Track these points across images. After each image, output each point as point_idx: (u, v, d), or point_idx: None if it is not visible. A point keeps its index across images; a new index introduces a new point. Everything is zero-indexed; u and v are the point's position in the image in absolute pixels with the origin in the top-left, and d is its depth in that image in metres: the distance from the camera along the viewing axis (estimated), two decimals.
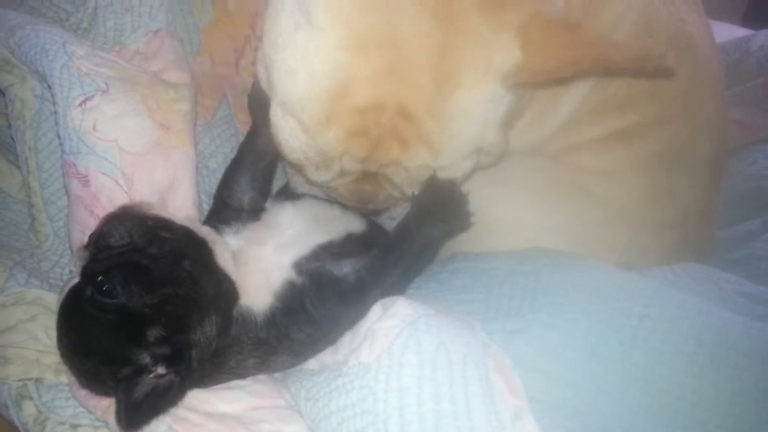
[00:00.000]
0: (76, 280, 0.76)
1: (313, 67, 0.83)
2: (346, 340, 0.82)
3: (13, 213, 1.04)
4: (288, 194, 1.01)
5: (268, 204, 0.97)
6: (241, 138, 1.18)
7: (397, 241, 0.89)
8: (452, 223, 0.92)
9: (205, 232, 0.85)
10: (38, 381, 0.82)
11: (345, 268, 0.86)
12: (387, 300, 0.82)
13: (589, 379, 0.79)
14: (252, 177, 0.96)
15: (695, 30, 1.08)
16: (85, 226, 0.86)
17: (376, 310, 0.80)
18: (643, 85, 1.04)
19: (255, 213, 0.94)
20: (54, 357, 0.83)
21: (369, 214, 1.00)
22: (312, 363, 0.86)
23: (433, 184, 0.88)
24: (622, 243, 1.07)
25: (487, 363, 0.75)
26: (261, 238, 0.89)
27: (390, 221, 1.02)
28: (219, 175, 1.09)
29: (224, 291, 0.81)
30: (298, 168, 0.94)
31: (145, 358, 0.73)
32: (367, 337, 0.76)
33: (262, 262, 0.86)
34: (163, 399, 0.74)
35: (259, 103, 0.94)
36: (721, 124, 1.14)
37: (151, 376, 0.73)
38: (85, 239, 0.86)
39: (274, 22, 0.88)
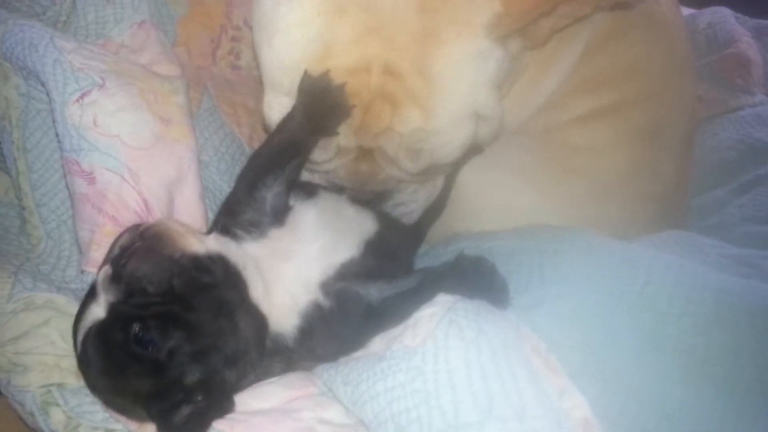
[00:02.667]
0: (101, 309, 0.72)
1: (294, 37, 0.85)
2: (377, 339, 0.83)
3: (1, 217, 0.99)
4: (306, 188, 0.97)
5: (292, 201, 0.91)
6: (228, 130, 1.17)
7: (429, 289, 0.84)
8: (486, 297, 0.86)
9: (236, 255, 0.81)
10: (61, 386, 0.79)
11: (371, 290, 0.85)
12: None
13: (604, 344, 0.82)
14: (279, 173, 0.88)
15: (668, 10, 1.13)
16: (94, 224, 0.84)
17: None
18: (624, 62, 1.08)
19: (278, 216, 0.88)
20: (73, 360, 0.80)
21: (374, 200, 0.99)
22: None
23: (473, 258, 0.86)
24: (610, 217, 1.11)
25: (524, 347, 0.77)
26: (286, 253, 0.85)
27: (395, 208, 1.01)
28: (212, 168, 1.08)
29: (259, 328, 0.79)
30: None
31: (180, 395, 0.72)
32: (409, 325, 0.77)
33: (288, 280, 0.83)
34: (204, 419, 0.73)
35: (310, 84, 0.86)
36: (693, 100, 1.21)
37: (187, 405, 0.72)
38: (95, 237, 0.83)
39: (258, 5, 0.90)
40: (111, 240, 0.82)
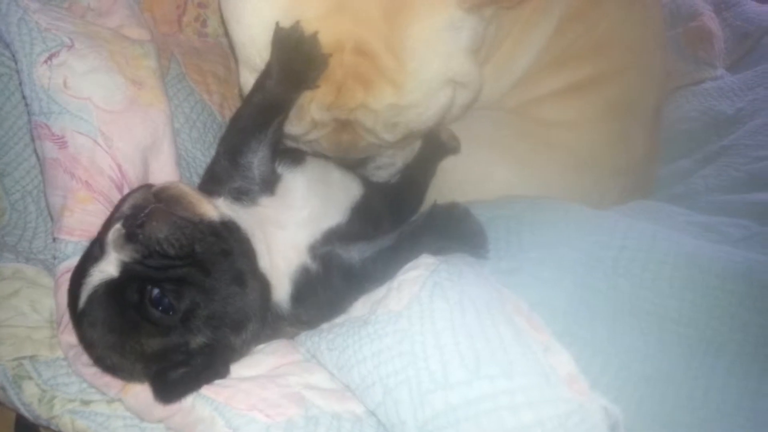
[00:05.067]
0: (112, 268, 0.70)
1: (262, 16, 0.83)
2: (359, 304, 0.83)
3: None
4: (292, 155, 0.95)
5: (280, 169, 0.89)
6: (198, 97, 1.13)
7: (407, 245, 0.85)
8: (465, 245, 0.87)
9: (246, 222, 0.79)
10: (33, 359, 0.77)
11: (352, 252, 0.84)
12: None
13: (583, 308, 0.84)
14: (263, 136, 0.86)
15: None
16: (66, 190, 0.80)
17: None
18: (598, 34, 1.09)
19: (268, 184, 0.86)
20: (46, 332, 0.78)
21: (355, 165, 0.99)
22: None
23: (446, 205, 0.87)
24: (584, 189, 1.13)
25: (506, 306, 0.77)
26: (280, 220, 0.84)
27: (377, 171, 1.01)
28: (183, 135, 1.05)
29: (264, 296, 0.78)
30: None
31: (183, 356, 0.71)
32: (393, 288, 0.77)
33: (282, 246, 0.82)
34: (198, 380, 0.72)
35: (283, 37, 0.84)
36: (664, 72, 1.23)
37: (185, 365, 0.72)
38: (68, 203, 0.80)
39: None
40: (84, 206, 0.80)
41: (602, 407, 0.69)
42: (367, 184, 0.97)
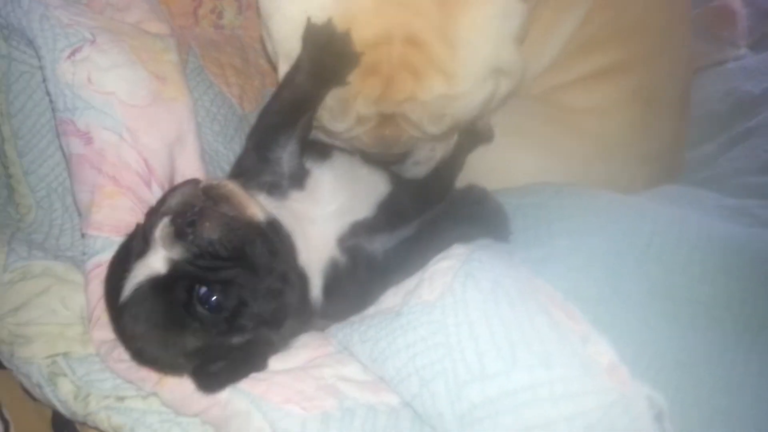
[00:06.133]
0: (160, 264, 0.69)
1: (311, 5, 0.81)
2: (390, 294, 0.82)
3: None
4: (319, 149, 0.94)
5: (308, 164, 0.89)
6: (218, 90, 1.13)
7: (428, 233, 0.86)
8: (486, 228, 0.88)
9: (286, 219, 0.79)
10: (67, 355, 0.77)
11: (375, 244, 0.84)
12: None
13: (615, 295, 0.82)
14: (291, 131, 0.85)
15: None
16: (93, 185, 0.80)
17: None
18: (627, 20, 1.07)
19: (297, 179, 0.86)
20: (78, 328, 0.78)
21: (394, 161, 0.97)
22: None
23: (463, 188, 0.87)
24: (612, 176, 1.11)
25: (540, 297, 0.77)
26: (309, 214, 0.83)
27: (414, 167, 0.99)
28: (205, 129, 1.04)
29: (303, 294, 0.78)
30: (316, 122, 0.91)
31: (224, 351, 0.72)
32: (425, 279, 0.77)
33: (314, 241, 0.81)
34: (237, 373, 0.73)
35: (314, 33, 0.82)
36: (690, 56, 1.20)
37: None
38: (95, 198, 0.80)
39: None
40: (112, 201, 0.80)
41: (646, 396, 0.68)
42: (395, 180, 0.96)
